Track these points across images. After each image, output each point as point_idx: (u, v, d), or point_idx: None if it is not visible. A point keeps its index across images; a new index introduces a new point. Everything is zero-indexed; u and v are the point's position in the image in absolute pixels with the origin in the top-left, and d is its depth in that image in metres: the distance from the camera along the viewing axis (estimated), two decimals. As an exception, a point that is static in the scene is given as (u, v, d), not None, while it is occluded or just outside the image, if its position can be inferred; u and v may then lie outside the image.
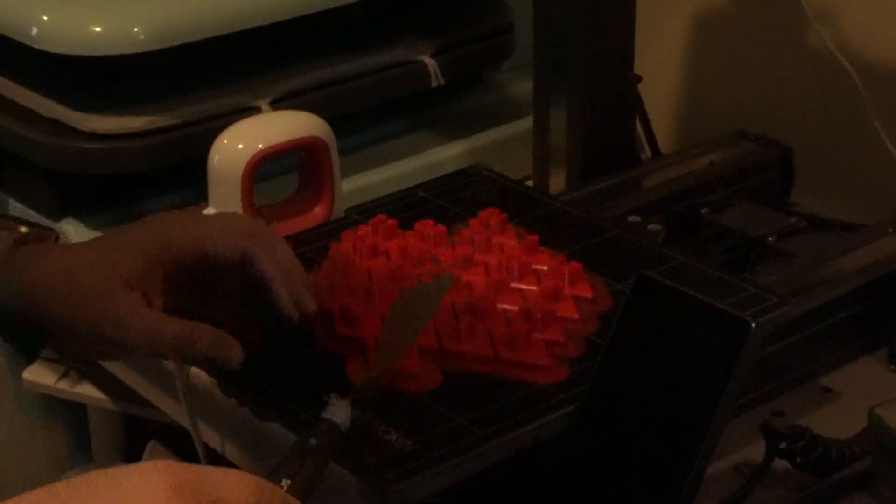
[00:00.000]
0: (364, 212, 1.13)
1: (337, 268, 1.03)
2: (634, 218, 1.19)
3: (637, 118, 1.34)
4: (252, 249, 0.89)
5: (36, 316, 0.88)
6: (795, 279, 1.08)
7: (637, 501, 0.83)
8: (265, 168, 1.16)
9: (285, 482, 0.76)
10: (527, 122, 1.36)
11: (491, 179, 1.19)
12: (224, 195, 1.14)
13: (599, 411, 0.86)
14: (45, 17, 1.25)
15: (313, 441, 0.79)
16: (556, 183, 1.31)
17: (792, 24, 1.37)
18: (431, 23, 1.44)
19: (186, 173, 1.26)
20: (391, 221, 1.08)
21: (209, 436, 0.99)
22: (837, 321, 1.09)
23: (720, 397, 0.82)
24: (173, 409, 1.05)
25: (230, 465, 0.92)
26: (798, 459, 0.95)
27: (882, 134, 1.29)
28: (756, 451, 0.96)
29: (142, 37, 1.23)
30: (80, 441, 1.53)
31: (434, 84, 1.41)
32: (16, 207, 1.33)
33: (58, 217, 1.29)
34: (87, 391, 1.39)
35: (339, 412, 0.82)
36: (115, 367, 1.17)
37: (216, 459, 0.98)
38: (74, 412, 1.50)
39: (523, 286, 1.01)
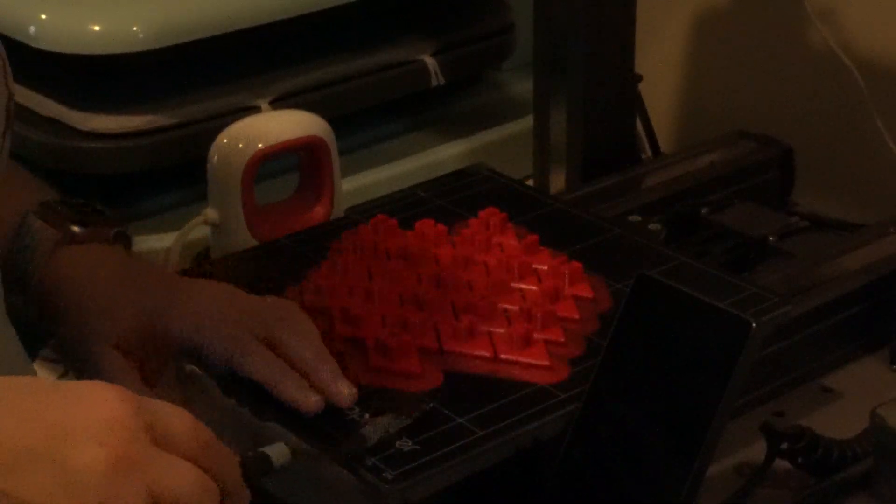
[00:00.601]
0: (364, 212, 1.13)
1: (337, 268, 1.03)
2: (634, 218, 1.19)
3: (637, 118, 1.34)
4: (237, 360, 0.87)
5: (44, 318, 0.90)
6: (795, 279, 1.08)
7: (637, 501, 0.83)
8: (265, 168, 1.16)
9: None
10: (527, 122, 1.36)
11: (491, 179, 1.19)
12: (224, 195, 1.14)
13: (599, 411, 0.86)
14: (43, 16, 1.25)
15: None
16: (556, 183, 1.31)
17: (793, 22, 1.37)
18: (431, 23, 1.44)
19: (186, 173, 1.26)
20: (391, 221, 1.08)
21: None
22: (838, 321, 1.08)
23: (720, 397, 0.82)
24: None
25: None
26: (799, 460, 0.95)
27: (884, 133, 1.29)
28: (757, 451, 0.95)
29: (141, 36, 1.23)
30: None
31: (434, 84, 1.41)
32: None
33: (57, 217, 1.29)
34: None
35: (278, 452, 0.79)
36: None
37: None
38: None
39: (523, 286, 1.00)
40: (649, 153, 1.36)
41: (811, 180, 1.33)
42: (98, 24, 1.24)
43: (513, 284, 1.00)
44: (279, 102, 1.31)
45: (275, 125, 1.18)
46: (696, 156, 1.31)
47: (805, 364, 1.08)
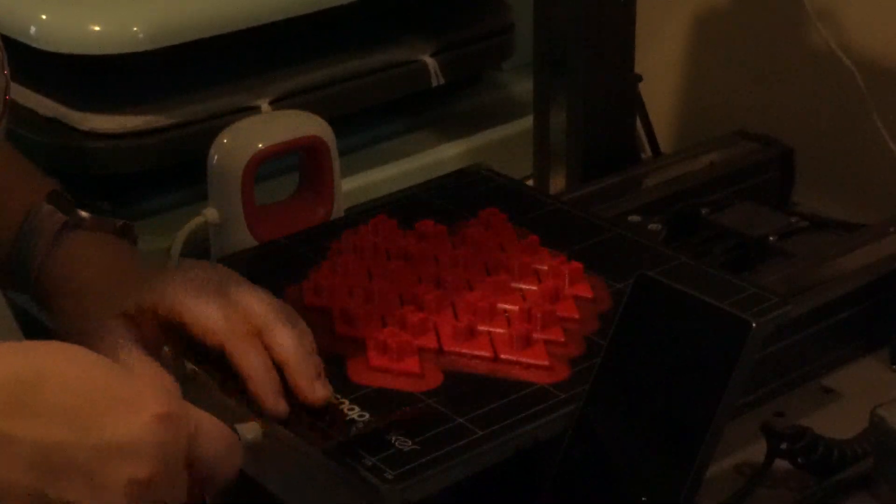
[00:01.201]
0: (364, 212, 1.13)
1: (337, 268, 1.03)
2: (634, 218, 1.19)
3: (637, 118, 1.34)
4: (228, 346, 0.88)
5: (44, 296, 0.91)
6: (795, 279, 1.08)
7: (637, 501, 0.83)
8: (265, 168, 1.16)
9: None
10: (527, 122, 1.36)
11: (491, 179, 1.19)
12: (224, 195, 1.14)
13: (599, 411, 0.86)
14: (43, 17, 1.25)
15: None
16: (556, 183, 1.31)
17: (793, 23, 1.37)
18: (431, 23, 1.44)
19: (186, 173, 1.26)
20: (391, 221, 1.08)
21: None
22: (838, 321, 1.08)
23: (721, 397, 0.82)
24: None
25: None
26: (799, 460, 0.95)
27: (884, 133, 1.29)
28: (757, 451, 0.95)
29: (141, 36, 1.23)
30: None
31: (434, 84, 1.41)
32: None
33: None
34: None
35: (249, 428, 0.81)
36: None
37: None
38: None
39: (523, 286, 1.00)
40: (649, 153, 1.36)
41: (811, 180, 1.33)
42: (98, 24, 1.24)
43: (513, 284, 1.00)
44: (279, 102, 1.31)
45: (275, 125, 1.18)
46: (696, 156, 1.31)
47: (805, 364, 1.08)
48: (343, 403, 0.88)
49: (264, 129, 1.16)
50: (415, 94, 1.43)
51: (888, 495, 0.93)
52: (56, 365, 0.69)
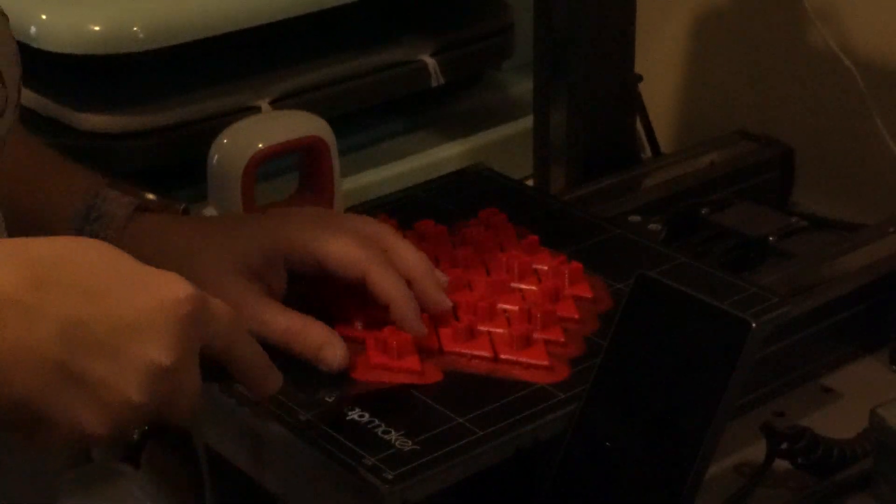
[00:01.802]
0: (364, 212, 1.13)
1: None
2: (634, 218, 1.19)
3: (637, 118, 1.34)
4: (372, 273, 0.91)
5: None
6: (795, 279, 1.08)
7: (637, 501, 0.83)
8: (265, 168, 1.16)
9: None
10: (527, 122, 1.36)
11: (491, 179, 1.19)
12: (224, 195, 1.14)
13: (599, 411, 0.86)
14: (43, 16, 1.25)
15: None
16: (556, 183, 1.31)
17: (793, 23, 1.37)
18: (431, 23, 1.44)
19: (186, 173, 1.26)
20: (391, 221, 1.08)
21: (209, 436, 0.99)
22: (838, 321, 1.08)
23: (721, 397, 0.82)
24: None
25: (231, 465, 0.92)
26: (799, 460, 0.95)
27: (884, 133, 1.29)
28: (757, 451, 0.95)
29: (141, 36, 1.23)
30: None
31: (434, 84, 1.41)
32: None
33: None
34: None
35: None
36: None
37: (216, 459, 0.97)
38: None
39: (523, 286, 1.00)
40: (649, 153, 1.36)
41: (811, 180, 1.34)
42: (98, 24, 1.24)
43: (513, 284, 1.00)
44: (279, 102, 1.31)
45: (275, 125, 1.18)
46: (696, 156, 1.31)
47: (805, 364, 1.08)
48: (343, 403, 0.88)
49: (264, 129, 1.16)
50: (415, 94, 1.43)
51: (888, 495, 0.93)
52: (78, 248, 0.70)
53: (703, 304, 0.85)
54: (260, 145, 1.13)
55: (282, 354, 0.92)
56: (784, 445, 0.94)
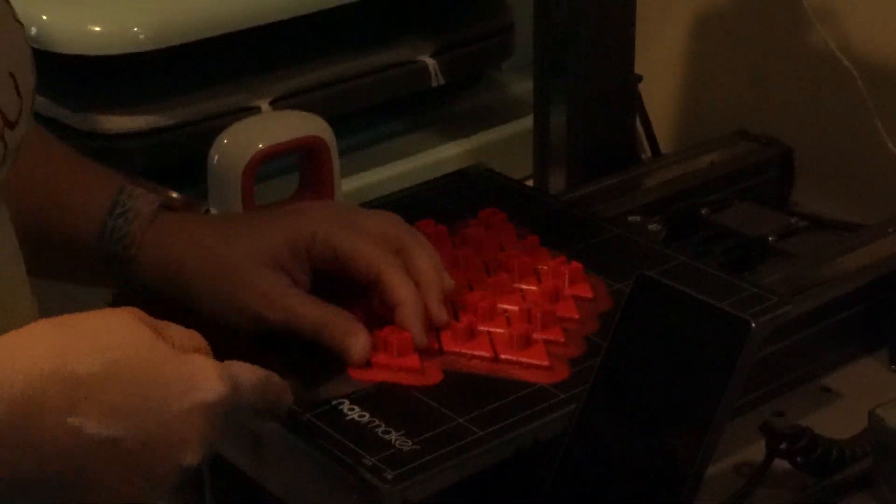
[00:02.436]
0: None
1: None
2: (634, 218, 1.19)
3: (637, 118, 1.34)
4: (385, 275, 0.93)
5: (176, 284, 0.94)
6: (795, 279, 1.08)
7: (637, 501, 0.83)
8: (265, 168, 1.16)
9: None
10: (527, 122, 1.36)
11: (491, 179, 1.19)
12: (224, 195, 1.14)
13: (599, 411, 0.86)
14: (44, 17, 1.25)
15: None
16: (556, 183, 1.31)
17: (792, 23, 1.37)
18: (431, 23, 1.44)
19: (186, 173, 1.26)
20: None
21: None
22: (837, 321, 1.08)
23: (720, 397, 0.82)
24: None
25: (231, 465, 0.92)
26: (798, 460, 0.95)
27: (883, 133, 1.29)
28: (756, 451, 0.95)
29: (141, 36, 1.23)
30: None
31: (434, 84, 1.41)
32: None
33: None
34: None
35: None
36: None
37: (216, 459, 0.97)
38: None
39: (523, 286, 1.00)
40: (649, 153, 1.36)
41: (811, 180, 1.33)
42: (98, 25, 1.24)
43: (513, 284, 1.00)
44: (279, 102, 1.31)
45: (275, 125, 1.18)
46: (696, 156, 1.31)
47: (805, 364, 1.08)
48: (343, 403, 0.88)
49: (264, 129, 1.16)
50: (415, 94, 1.43)
51: (887, 495, 0.93)
52: (121, 356, 0.72)
53: (703, 304, 0.85)
54: (260, 145, 1.13)
55: (283, 353, 0.93)
56: (784, 445, 0.94)
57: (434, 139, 1.45)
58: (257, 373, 0.80)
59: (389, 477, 0.81)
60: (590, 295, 1.00)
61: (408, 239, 0.96)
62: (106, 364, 0.71)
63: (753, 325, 0.82)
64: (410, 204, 1.14)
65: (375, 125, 1.44)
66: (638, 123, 1.35)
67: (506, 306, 0.97)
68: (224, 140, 1.14)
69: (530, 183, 1.31)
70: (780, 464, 0.95)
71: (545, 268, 1.02)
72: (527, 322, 0.95)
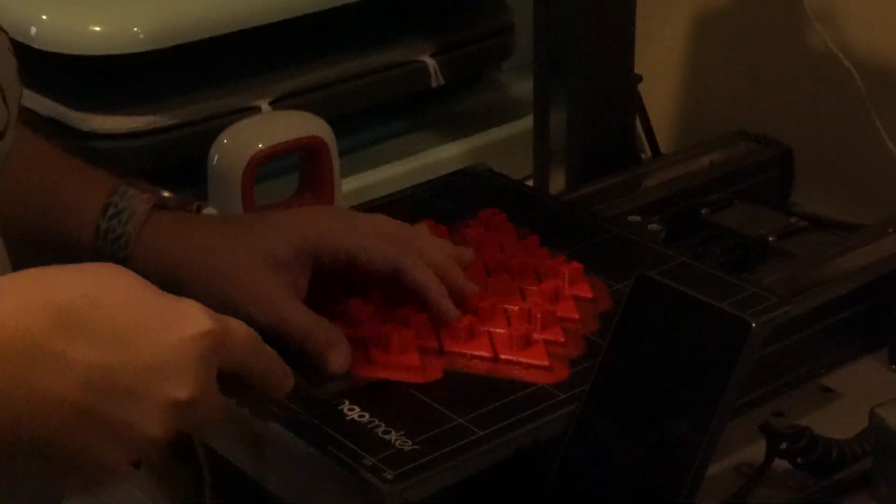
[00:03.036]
0: (364, 212, 1.13)
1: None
2: (634, 218, 1.19)
3: (637, 118, 1.34)
4: (404, 263, 0.94)
5: (171, 283, 0.92)
6: (795, 279, 1.08)
7: (637, 501, 0.83)
8: (265, 168, 1.16)
9: None
10: (527, 122, 1.36)
11: (491, 179, 1.19)
12: (224, 195, 1.14)
13: (599, 411, 0.86)
14: (44, 17, 1.25)
15: None
16: (556, 183, 1.31)
17: (792, 23, 1.37)
18: (431, 23, 1.44)
19: (186, 173, 1.26)
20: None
21: (209, 435, 0.99)
22: (837, 321, 1.08)
23: (720, 397, 0.82)
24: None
25: (231, 465, 0.92)
26: (798, 460, 0.95)
27: (883, 133, 1.30)
28: (756, 451, 0.95)
29: (141, 36, 1.23)
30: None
31: (434, 84, 1.41)
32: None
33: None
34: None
35: None
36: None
37: (216, 459, 0.97)
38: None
39: (523, 286, 1.00)
40: (649, 153, 1.36)
41: (811, 180, 1.33)
42: (98, 25, 1.24)
43: (513, 284, 1.00)
44: (279, 102, 1.31)
45: (275, 125, 1.18)
46: (696, 156, 1.31)
47: (805, 364, 1.08)
48: (343, 403, 0.88)
49: (264, 129, 1.16)
50: (415, 94, 1.43)
51: (887, 495, 0.93)
52: (106, 289, 0.72)
53: (703, 304, 0.85)
54: (260, 145, 1.13)
55: (283, 353, 0.92)
56: (784, 445, 0.94)
57: (434, 139, 1.45)
58: (251, 333, 0.78)
59: (389, 477, 0.81)
60: (590, 295, 1.01)
61: (410, 234, 0.97)
62: (92, 292, 0.71)
63: (753, 325, 0.83)
64: (410, 204, 1.14)
65: (375, 125, 1.45)
66: (638, 123, 1.35)
67: (506, 306, 0.97)
68: (224, 140, 1.14)
69: (530, 183, 1.31)
70: (781, 464, 0.95)
71: (545, 268, 1.02)
72: (527, 322, 0.95)
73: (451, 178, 1.20)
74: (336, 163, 1.17)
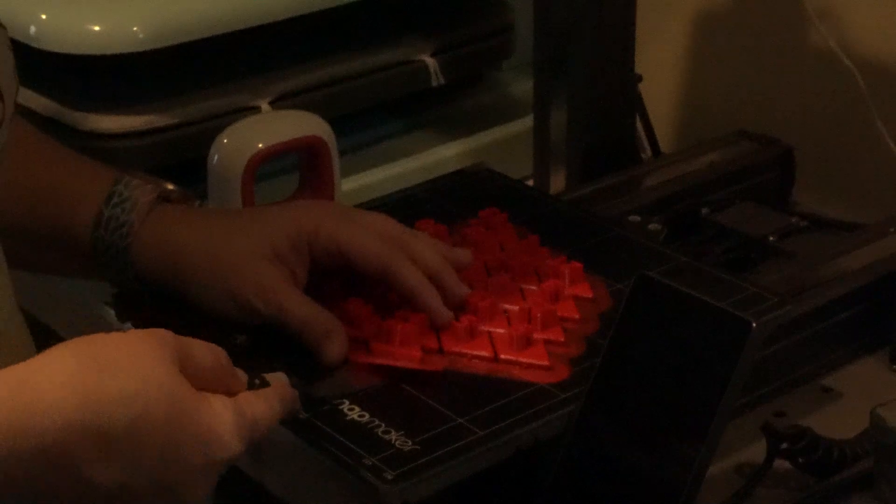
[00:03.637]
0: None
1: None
2: (634, 218, 1.19)
3: (637, 118, 1.34)
4: (394, 266, 0.94)
5: (172, 272, 0.94)
6: (795, 279, 1.08)
7: (637, 502, 0.83)
8: (265, 168, 1.16)
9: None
10: (527, 122, 1.36)
11: (491, 179, 1.19)
12: (224, 195, 1.14)
13: (599, 411, 0.86)
14: (43, 16, 1.25)
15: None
16: (556, 183, 1.31)
17: (793, 22, 1.37)
18: (431, 23, 1.44)
19: (186, 173, 1.26)
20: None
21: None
22: (838, 321, 1.08)
23: (721, 397, 0.82)
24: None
25: (231, 465, 0.92)
26: (799, 460, 0.94)
27: (884, 133, 1.29)
28: (757, 451, 0.95)
29: (141, 36, 1.23)
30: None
31: (434, 84, 1.41)
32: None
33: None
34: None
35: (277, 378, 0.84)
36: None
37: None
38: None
39: (523, 286, 1.00)
40: (649, 153, 1.36)
41: (811, 180, 1.33)
42: (98, 24, 1.24)
43: (513, 284, 1.00)
44: (279, 102, 1.31)
45: (275, 125, 1.18)
46: (696, 156, 1.31)
47: (805, 364, 1.08)
48: (343, 403, 0.88)
49: (264, 129, 1.16)
50: (415, 94, 1.43)
51: (888, 495, 0.92)
52: (149, 408, 0.73)
53: (703, 304, 0.85)
54: (260, 145, 1.13)
55: (283, 353, 0.93)
56: (784, 445, 0.94)
57: (434, 139, 1.45)
58: (275, 408, 0.80)
59: (389, 477, 0.81)
60: (590, 295, 1.00)
61: (406, 236, 0.97)
62: (131, 418, 0.72)
63: (754, 325, 0.82)
64: (410, 204, 1.14)
65: (375, 125, 1.44)
66: (638, 123, 1.35)
67: (506, 306, 0.97)
68: (224, 140, 1.14)
69: (530, 183, 1.31)
70: (781, 464, 0.95)
71: (545, 268, 1.02)
72: (527, 322, 0.95)
73: (451, 178, 1.20)
74: (336, 162, 1.17)
